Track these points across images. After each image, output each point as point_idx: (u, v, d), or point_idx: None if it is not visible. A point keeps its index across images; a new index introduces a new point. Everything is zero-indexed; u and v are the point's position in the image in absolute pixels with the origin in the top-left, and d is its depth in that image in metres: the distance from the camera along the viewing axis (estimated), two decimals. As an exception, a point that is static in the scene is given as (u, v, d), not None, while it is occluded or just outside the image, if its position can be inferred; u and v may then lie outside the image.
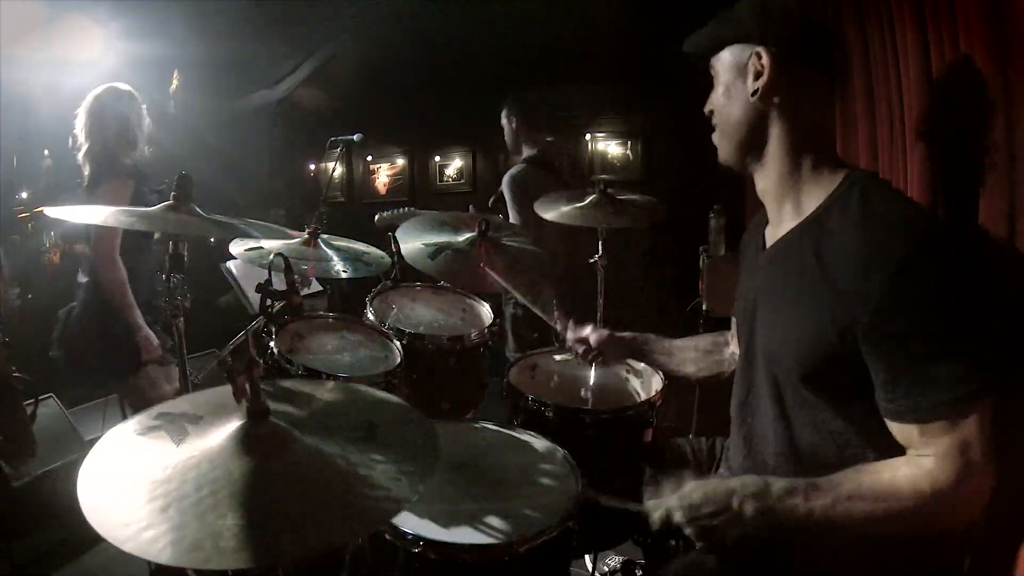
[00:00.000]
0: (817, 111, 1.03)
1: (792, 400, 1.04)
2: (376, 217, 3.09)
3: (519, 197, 2.94)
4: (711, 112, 1.11)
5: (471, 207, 3.14)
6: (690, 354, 1.50)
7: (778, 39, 0.98)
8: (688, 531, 1.01)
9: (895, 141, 1.48)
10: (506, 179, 3.02)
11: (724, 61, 1.05)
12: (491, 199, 3.14)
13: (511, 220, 2.98)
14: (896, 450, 0.94)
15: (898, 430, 0.93)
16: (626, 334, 1.57)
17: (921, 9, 1.30)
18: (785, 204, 1.06)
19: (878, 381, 0.92)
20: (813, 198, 1.02)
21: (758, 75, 0.99)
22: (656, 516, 1.04)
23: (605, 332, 1.57)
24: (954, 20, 1.19)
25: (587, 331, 1.59)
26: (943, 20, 1.22)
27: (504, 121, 3.22)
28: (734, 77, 1.03)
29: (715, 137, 1.11)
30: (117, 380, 2.46)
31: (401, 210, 3.05)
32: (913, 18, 1.33)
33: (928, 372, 0.87)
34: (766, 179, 1.07)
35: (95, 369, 2.42)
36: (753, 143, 1.05)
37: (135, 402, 2.48)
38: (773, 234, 1.11)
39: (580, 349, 1.60)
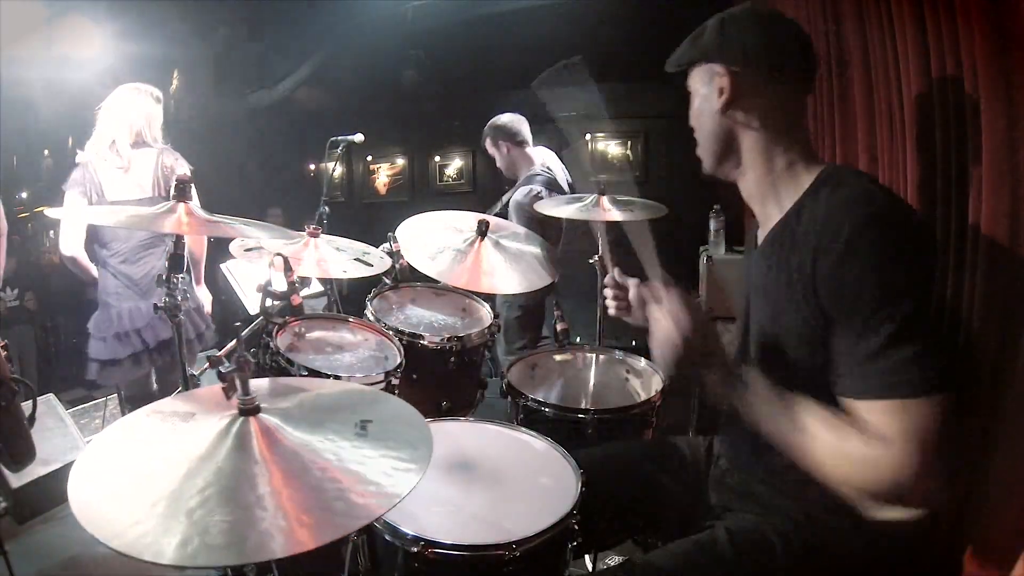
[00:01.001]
0: (784, 116, 1.07)
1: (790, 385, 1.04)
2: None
3: (531, 222, 2.83)
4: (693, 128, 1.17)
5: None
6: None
7: (734, 58, 1.05)
8: (664, 325, 1.01)
9: (895, 141, 1.48)
10: (514, 204, 2.98)
11: (696, 78, 1.13)
12: (492, 212, 3.11)
13: None
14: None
15: (857, 407, 0.93)
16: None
17: (921, 9, 1.30)
18: (767, 205, 1.11)
19: (840, 360, 0.95)
20: (791, 195, 1.06)
21: (721, 92, 1.07)
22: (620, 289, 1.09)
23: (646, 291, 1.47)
24: (954, 20, 1.18)
25: (632, 281, 1.39)
26: (943, 20, 1.22)
27: (492, 151, 3.17)
28: (705, 93, 1.11)
29: (697, 150, 1.18)
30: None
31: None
32: (913, 18, 1.33)
33: (886, 351, 0.89)
34: (747, 184, 1.13)
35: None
36: (727, 153, 1.12)
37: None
38: (762, 234, 1.15)
39: (611, 295, 1.47)
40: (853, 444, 0.90)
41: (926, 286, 0.95)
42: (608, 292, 1.49)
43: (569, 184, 3.21)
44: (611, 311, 1.49)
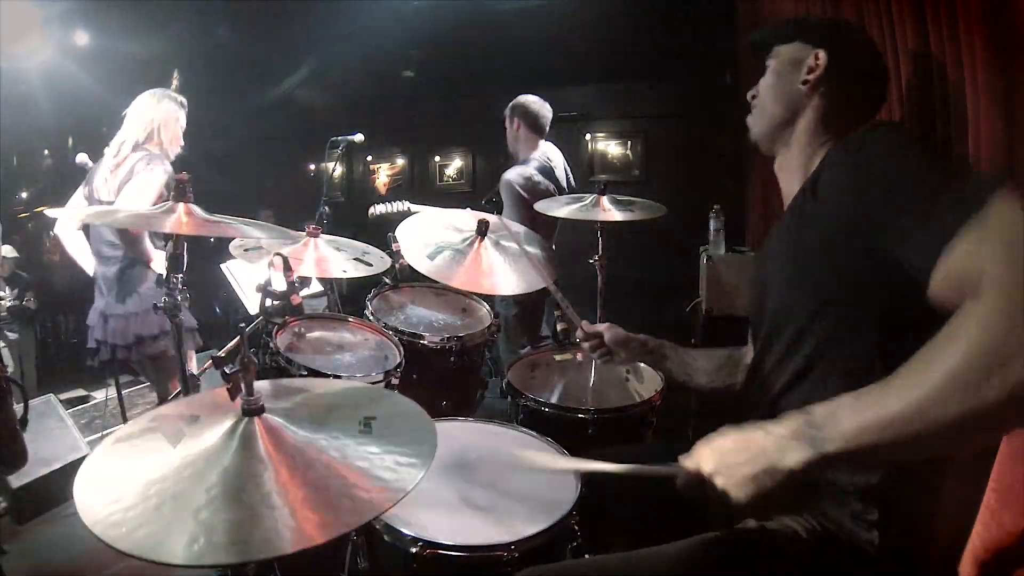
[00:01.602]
0: (845, 118, 1.13)
1: (807, 352, 1.03)
2: (370, 210, 3.04)
3: (517, 200, 2.93)
4: (753, 97, 1.24)
5: (468, 209, 3.12)
6: (703, 364, 1.48)
7: (839, 51, 1.14)
8: (719, 485, 0.84)
9: (895, 141, 1.48)
10: (504, 182, 3.01)
11: (783, 53, 1.19)
12: (484, 199, 3.13)
13: (507, 215, 2.96)
14: None
15: (949, 267, 0.77)
16: (640, 336, 1.55)
17: (921, 9, 1.30)
18: (797, 174, 1.17)
19: (910, 248, 0.83)
20: (817, 161, 1.12)
21: (811, 71, 1.14)
22: (687, 469, 0.89)
23: (620, 332, 1.55)
24: (954, 20, 1.19)
25: (602, 327, 1.56)
26: (943, 20, 1.22)
27: (508, 122, 3.21)
28: (788, 68, 1.18)
29: (751, 118, 1.24)
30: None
31: (399, 205, 3.02)
32: (913, 18, 1.33)
33: (938, 202, 0.81)
34: (786, 156, 1.19)
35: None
36: (784, 127, 1.18)
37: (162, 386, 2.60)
38: (786, 205, 1.19)
39: (590, 344, 1.57)
40: (944, 332, 0.73)
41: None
42: (586, 347, 1.57)
43: (570, 184, 3.22)
44: (600, 362, 1.59)
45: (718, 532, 1.09)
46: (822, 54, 1.13)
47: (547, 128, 3.17)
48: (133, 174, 2.43)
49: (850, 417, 0.77)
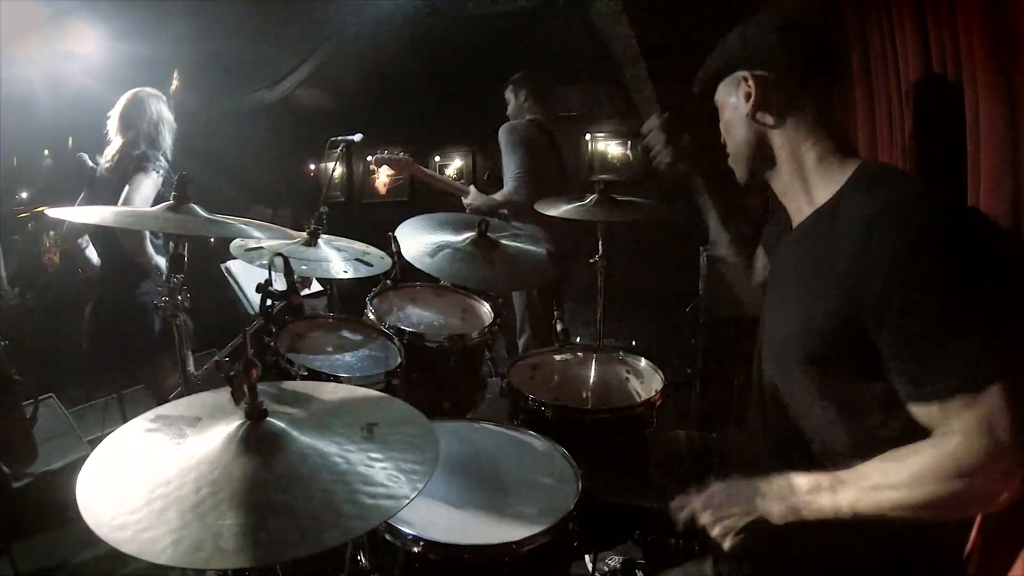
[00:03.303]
0: (811, 112, 1.09)
1: (797, 386, 1.06)
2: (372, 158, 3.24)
3: (515, 143, 3.01)
4: (724, 140, 1.20)
5: (472, 187, 3.20)
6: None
7: (760, 62, 1.09)
8: (714, 532, 1.01)
9: (895, 141, 1.48)
10: (503, 129, 3.09)
11: (722, 92, 1.17)
12: (486, 174, 3.21)
13: (505, 171, 3.05)
14: (902, 433, 0.93)
15: (920, 412, 0.91)
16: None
17: (921, 9, 1.30)
18: (799, 199, 1.12)
19: (893, 365, 0.92)
20: (824, 190, 1.07)
21: (748, 96, 1.09)
22: (681, 516, 1.05)
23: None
24: (954, 20, 1.19)
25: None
26: (943, 20, 1.22)
27: (510, 95, 3.29)
28: (732, 103, 1.14)
29: (730, 162, 1.20)
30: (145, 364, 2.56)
31: (399, 153, 3.19)
32: (913, 18, 1.33)
33: (940, 350, 0.87)
34: (780, 182, 1.15)
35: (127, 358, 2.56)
36: (760, 157, 1.14)
37: (156, 389, 2.58)
38: (795, 223, 1.16)
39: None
40: (929, 455, 0.88)
41: (993, 282, 0.91)
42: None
43: (560, 158, 3.31)
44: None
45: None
46: (749, 76, 1.09)
47: (546, 96, 3.30)
48: (128, 177, 2.42)
49: (829, 498, 0.93)
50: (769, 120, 1.10)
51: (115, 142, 2.52)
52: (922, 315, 0.88)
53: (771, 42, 1.09)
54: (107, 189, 2.44)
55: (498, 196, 3.06)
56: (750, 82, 1.08)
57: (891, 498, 0.89)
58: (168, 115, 2.61)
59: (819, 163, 1.08)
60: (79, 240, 2.66)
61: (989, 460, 0.84)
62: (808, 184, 1.09)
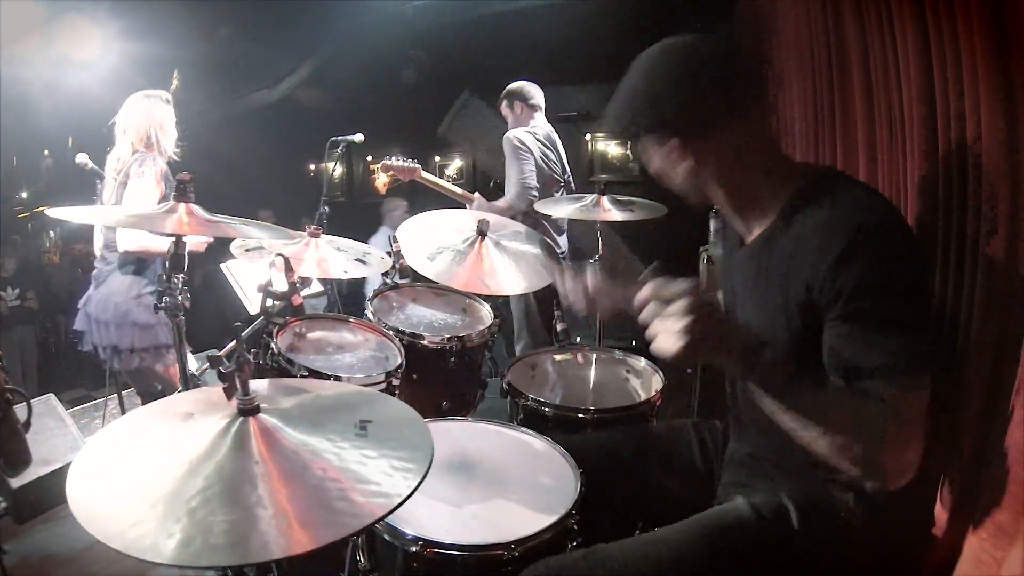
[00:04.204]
0: (743, 142, 1.07)
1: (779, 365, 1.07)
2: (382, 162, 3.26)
3: (517, 153, 3.06)
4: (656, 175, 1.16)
5: (476, 193, 3.23)
6: None
7: (686, 124, 1.05)
8: (677, 322, 0.90)
9: (895, 141, 1.48)
10: (505, 139, 3.13)
11: (646, 145, 1.12)
12: (491, 182, 3.23)
13: (508, 179, 3.11)
14: None
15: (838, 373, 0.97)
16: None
17: (921, 9, 1.30)
18: (749, 215, 1.13)
19: (826, 351, 0.98)
20: (774, 203, 1.08)
21: (681, 159, 1.07)
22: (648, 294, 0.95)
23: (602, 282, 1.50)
24: (954, 20, 1.18)
25: (587, 277, 1.50)
26: (943, 20, 1.22)
27: (506, 110, 3.35)
28: (661, 157, 1.10)
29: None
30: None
31: (408, 160, 3.19)
32: (913, 18, 1.33)
33: (869, 347, 0.94)
34: (726, 206, 1.15)
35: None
36: (699, 191, 1.13)
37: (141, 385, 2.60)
38: (747, 238, 1.16)
39: (576, 297, 1.50)
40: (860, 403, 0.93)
41: (918, 285, 0.99)
42: (575, 298, 1.50)
43: (563, 165, 3.35)
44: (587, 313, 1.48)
45: (731, 504, 1.14)
46: (676, 142, 1.06)
47: (542, 101, 3.34)
48: (128, 179, 2.42)
49: (775, 389, 0.95)
50: (704, 171, 1.08)
51: (117, 148, 2.53)
52: (858, 314, 0.94)
53: (679, 100, 1.04)
54: (116, 195, 2.45)
55: (501, 203, 3.10)
56: (677, 148, 1.06)
57: (813, 403, 0.94)
58: (168, 116, 2.60)
59: (766, 180, 1.08)
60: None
61: (893, 439, 0.92)
62: (756, 202, 1.10)
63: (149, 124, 2.52)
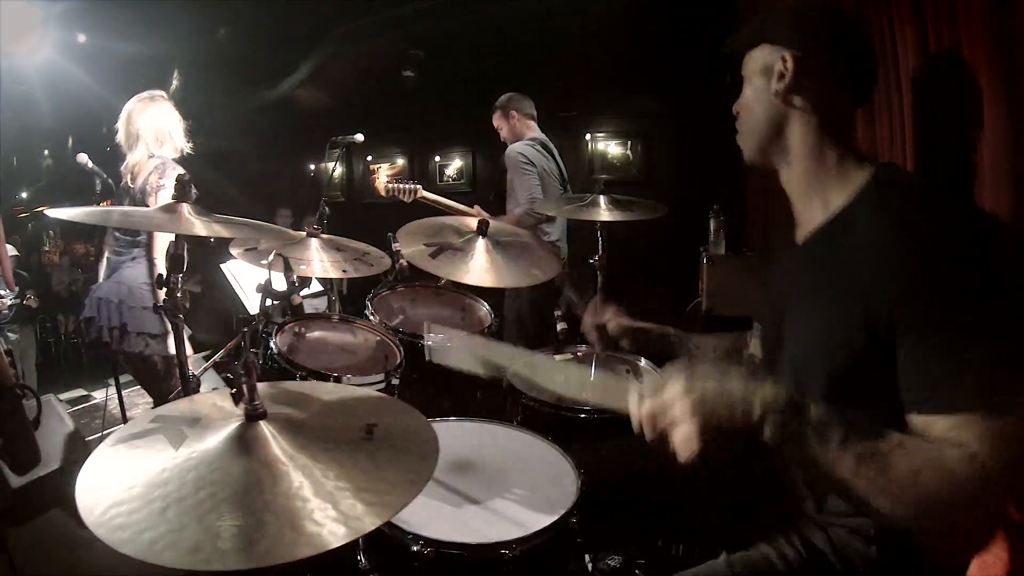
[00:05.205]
0: (838, 112, 1.04)
1: (825, 395, 0.98)
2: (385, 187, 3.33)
3: (519, 167, 3.08)
4: (738, 112, 1.14)
5: (476, 207, 3.20)
6: (709, 353, 1.44)
7: (804, 45, 1.03)
8: (684, 427, 0.83)
9: (895, 141, 1.48)
10: (507, 154, 3.15)
11: (754, 61, 1.09)
12: (492, 194, 3.23)
13: (514, 195, 3.14)
14: None
15: (920, 422, 0.85)
16: (645, 324, 1.51)
17: (921, 8, 1.30)
18: (812, 201, 1.06)
19: (905, 372, 0.87)
20: (840, 195, 1.02)
21: (781, 76, 1.03)
22: (641, 406, 0.88)
23: (625, 320, 1.51)
24: (954, 20, 1.19)
25: (607, 315, 1.52)
26: (943, 20, 1.22)
27: (500, 122, 3.35)
28: (761, 77, 1.07)
29: (738, 138, 1.15)
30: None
31: (409, 183, 3.24)
32: (913, 17, 1.33)
33: (959, 361, 0.83)
34: (792, 177, 1.09)
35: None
36: (774, 141, 1.08)
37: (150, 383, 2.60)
38: (802, 233, 1.10)
39: (595, 335, 1.54)
40: (949, 450, 0.81)
41: (1008, 288, 0.86)
42: (593, 334, 1.55)
43: (562, 173, 3.35)
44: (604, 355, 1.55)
45: (720, 560, 1.08)
46: (789, 56, 1.02)
47: (535, 112, 3.38)
48: (150, 188, 2.42)
49: (820, 447, 0.82)
50: (798, 103, 1.04)
51: (130, 156, 2.52)
52: (944, 327, 0.84)
53: (822, 29, 1.04)
54: (137, 202, 2.45)
55: (509, 220, 3.07)
56: (788, 62, 1.02)
57: (903, 466, 0.81)
58: (174, 113, 2.61)
59: (838, 165, 1.03)
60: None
61: (1005, 469, 0.79)
62: (826, 186, 1.04)
63: (160, 124, 2.53)
